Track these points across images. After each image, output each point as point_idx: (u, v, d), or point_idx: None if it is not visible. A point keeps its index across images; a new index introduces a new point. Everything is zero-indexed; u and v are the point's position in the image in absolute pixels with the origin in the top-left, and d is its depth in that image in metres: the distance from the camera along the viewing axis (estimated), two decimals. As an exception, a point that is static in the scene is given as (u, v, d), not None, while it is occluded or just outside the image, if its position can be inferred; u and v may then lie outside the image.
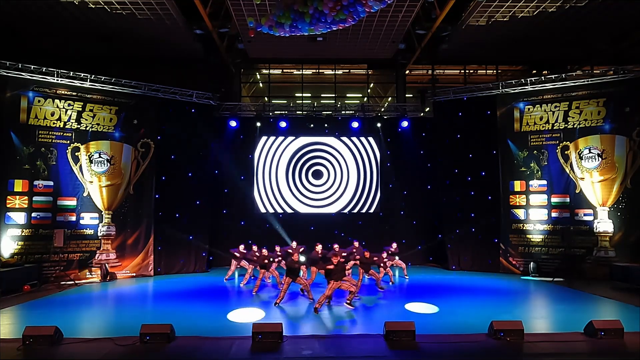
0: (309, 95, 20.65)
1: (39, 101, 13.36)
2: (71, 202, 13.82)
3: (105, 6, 13.85)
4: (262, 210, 17.23)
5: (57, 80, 13.60)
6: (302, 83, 20.23)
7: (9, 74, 12.84)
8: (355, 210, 17.35)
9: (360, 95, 20.90)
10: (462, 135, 15.93)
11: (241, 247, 13.20)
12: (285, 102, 20.12)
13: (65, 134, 13.78)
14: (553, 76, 14.76)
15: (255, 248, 12.97)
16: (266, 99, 19.88)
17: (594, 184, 13.95)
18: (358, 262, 11.61)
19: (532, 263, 14.31)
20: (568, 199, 14.39)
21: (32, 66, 13.19)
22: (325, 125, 17.43)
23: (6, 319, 9.05)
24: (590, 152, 14.05)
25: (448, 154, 16.12)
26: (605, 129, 13.92)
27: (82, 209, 13.98)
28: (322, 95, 20.74)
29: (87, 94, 14.14)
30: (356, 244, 12.73)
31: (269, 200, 17.31)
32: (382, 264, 12.41)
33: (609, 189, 13.73)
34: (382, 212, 17.34)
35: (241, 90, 20.08)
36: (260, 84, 21.08)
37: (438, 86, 17.74)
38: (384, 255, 12.52)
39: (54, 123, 13.57)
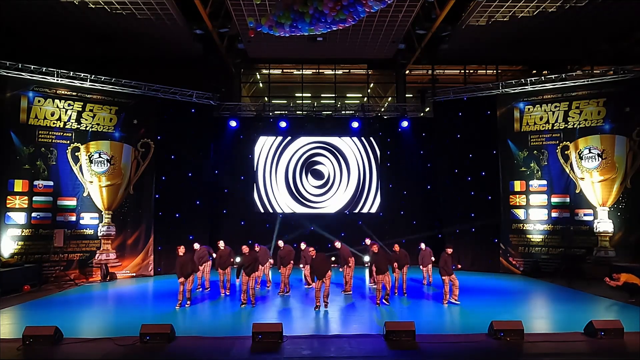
0: (309, 95, 20.64)
1: (39, 101, 13.36)
2: (71, 202, 13.82)
3: (105, 6, 13.84)
4: (262, 210, 17.23)
5: (57, 80, 13.60)
6: (302, 83, 20.22)
7: (9, 74, 12.84)
8: (355, 210, 17.34)
9: (360, 95, 20.88)
10: (462, 135, 15.93)
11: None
12: (285, 102, 20.10)
13: (65, 134, 13.78)
14: (553, 76, 14.75)
15: (257, 247, 11.96)
16: (266, 99, 19.88)
17: (594, 184, 13.94)
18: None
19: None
20: (568, 199, 14.38)
21: (32, 66, 13.19)
22: (325, 125, 17.42)
23: (6, 319, 9.05)
24: (590, 152, 14.05)
25: (448, 154, 16.13)
26: (605, 129, 13.91)
27: (82, 209, 13.99)
28: (322, 95, 20.73)
29: (87, 94, 14.15)
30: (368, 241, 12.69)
31: (268, 200, 17.31)
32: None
33: (609, 189, 13.73)
34: (382, 212, 17.32)
35: (241, 90, 20.06)
36: (260, 84, 21.07)
37: (438, 86, 17.71)
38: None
39: (54, 123, 13.57)
